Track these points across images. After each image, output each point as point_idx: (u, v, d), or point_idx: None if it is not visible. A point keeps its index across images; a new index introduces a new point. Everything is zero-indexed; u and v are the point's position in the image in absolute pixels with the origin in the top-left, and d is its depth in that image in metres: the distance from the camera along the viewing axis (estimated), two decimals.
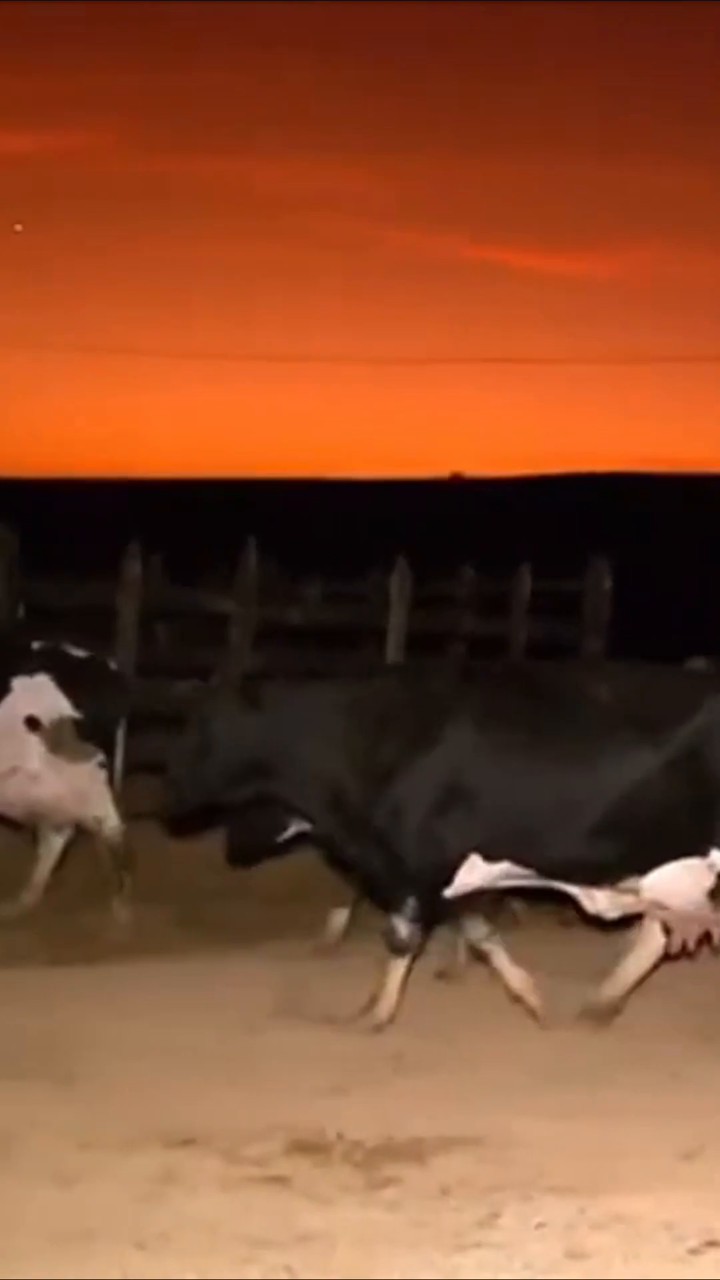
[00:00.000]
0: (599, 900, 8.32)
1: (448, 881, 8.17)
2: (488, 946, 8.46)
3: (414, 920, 8.15)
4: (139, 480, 49.24)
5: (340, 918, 9.56)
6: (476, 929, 8.46)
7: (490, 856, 8.20)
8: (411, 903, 8.15)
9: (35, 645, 10.76)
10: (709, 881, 8.19)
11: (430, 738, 8.21)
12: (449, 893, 8.20)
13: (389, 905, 8.27)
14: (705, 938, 8.38)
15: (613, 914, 8.42)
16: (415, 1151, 6.39)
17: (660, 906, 8.28)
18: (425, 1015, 8.09)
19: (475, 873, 8.20)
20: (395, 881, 8.23)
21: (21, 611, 13.94)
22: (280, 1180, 6.07)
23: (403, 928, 8.15)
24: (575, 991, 8.35)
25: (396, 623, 15.13)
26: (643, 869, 8.17)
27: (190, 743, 8.58)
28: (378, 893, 8.65)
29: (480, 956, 8.55)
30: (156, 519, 24.76)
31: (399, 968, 8.17)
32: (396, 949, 8.16)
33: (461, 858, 8.15)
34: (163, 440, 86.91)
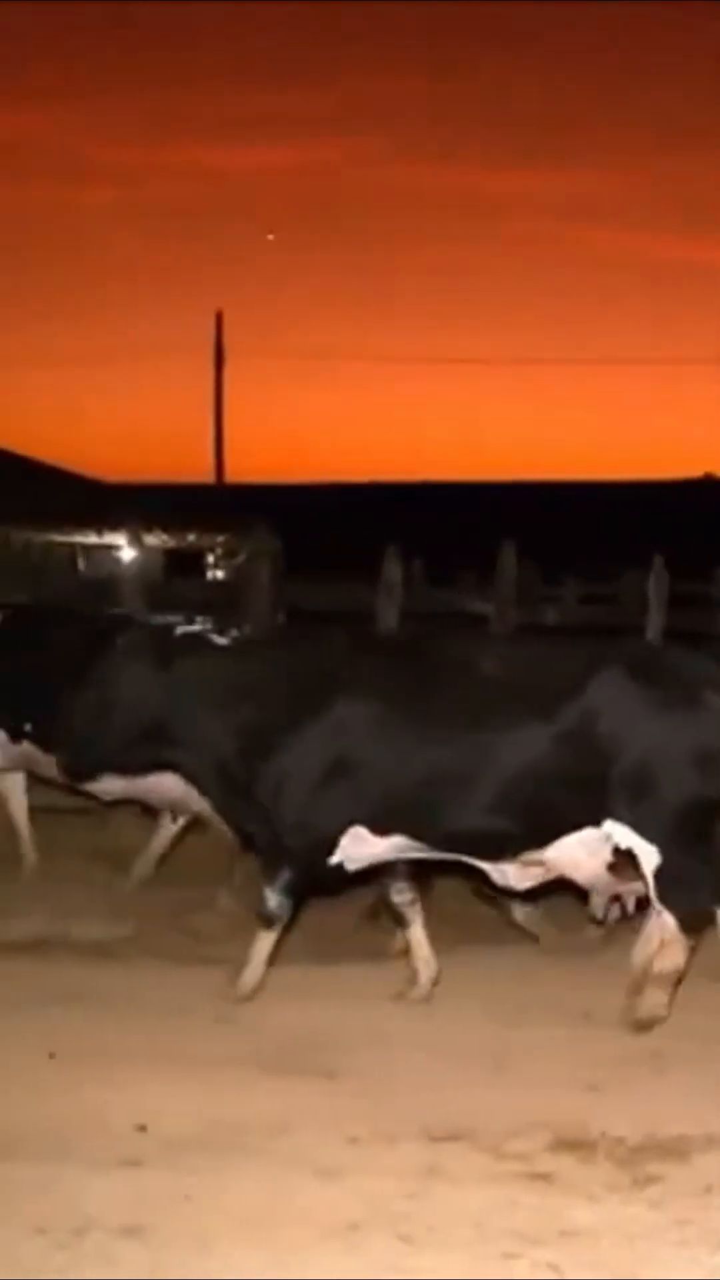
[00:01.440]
0: (508, 873, 8.29)
1: (325, 855, 8.19)
2: (408, 913, 8.49)
3: (285, 893, 8.21)
4: (398, 483, 49.48)
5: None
6: (401, 894, 8.50)
7: (378, 830, 8.15)
8: (285, 875, 8.20)
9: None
10: (606, 854, 8.08)
11: (313, 709, 8.16)
12: (352, 865, 8.26)
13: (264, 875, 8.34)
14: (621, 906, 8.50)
15: (522, 885, 8.41)
16: (678, 1149, 6.38)
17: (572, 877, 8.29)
18: (683, 1014, 8.05)
19: (366, 845, 8.19)
20: (272, 853, 8.27)
21: (281, 615, 14.14)
22: (544, 1177, 6.09)
23: (272, 899, 8.21)
24: None
25: (654, 623, 15.13)
26: (538, 843, 8.07)
27: (91, 698, 8.56)
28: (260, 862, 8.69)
29: (399, 921, 8.61)
30: (416, 522, 24.92)
31: (267, 940, 8.26)
32: (264, 920, 8.25)
33: (339, 832, 8.14)
34: (423, 445, 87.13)
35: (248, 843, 8.85)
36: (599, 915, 8.59)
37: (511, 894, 8.85)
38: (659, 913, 8.02)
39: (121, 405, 76.82)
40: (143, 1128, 6.43)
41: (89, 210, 78.92)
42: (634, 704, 7.97)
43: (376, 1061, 7.38)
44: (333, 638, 9.06)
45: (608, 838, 8.00)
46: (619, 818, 7.91)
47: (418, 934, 8.47)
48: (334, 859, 8.21)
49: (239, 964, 8.31)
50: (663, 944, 8.02)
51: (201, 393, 45.31)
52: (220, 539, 26.47)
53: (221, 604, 14.24)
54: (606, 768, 7.90)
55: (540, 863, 8.19)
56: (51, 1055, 7.31)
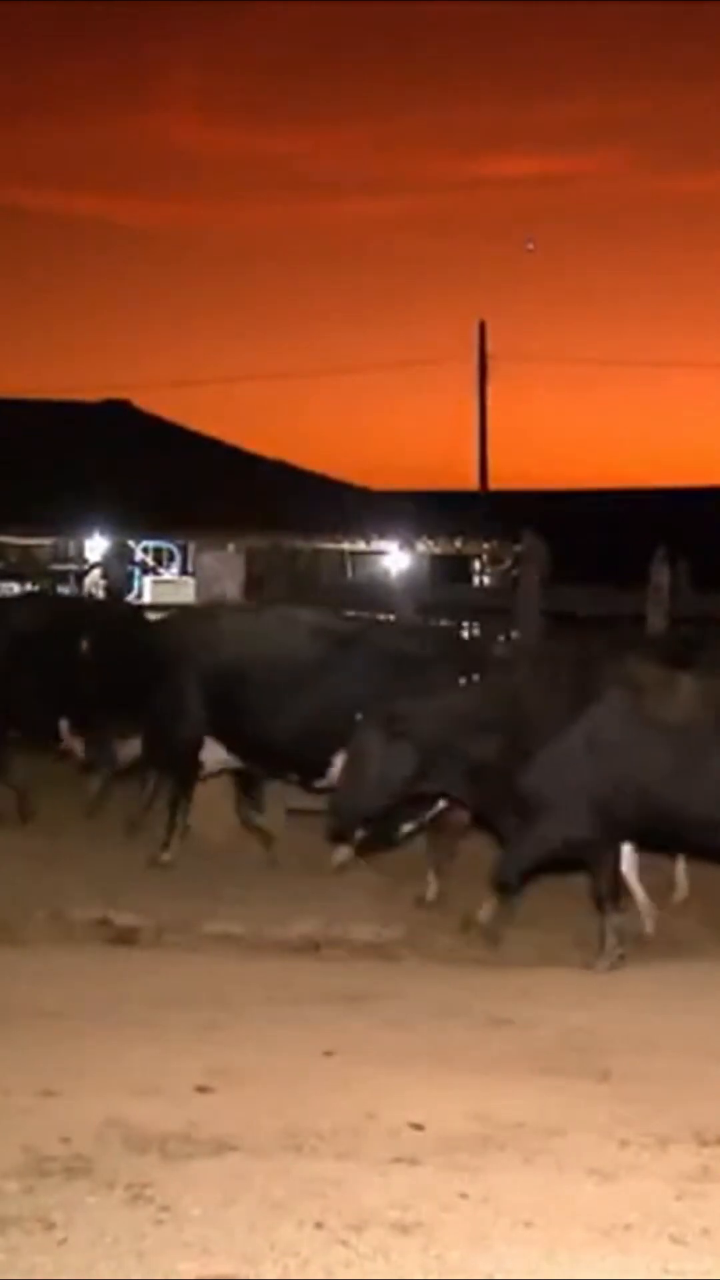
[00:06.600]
0: None
1: None
2: None
3: None
4: (663, 488, 49.13)
5: None
6: None
7: None
8: None
9: None
10: None
11: None
12: None
13: None
14: None
15: None
16: None
17: None
18: None
19: None
20: None
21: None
22: None
23: None
24: None
25: None
26: None
27: None
28: None
29: None
30: (683, 526, 24.73)
31: None
32: None
33: None
34: (687, 449, 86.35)
35: None
36: None
37: None
38: None
39: (387, 414, 77.12)
40: (419, 1126, 6.51)
41: (352, 223, 79.62)
42: None
43: (647, 1064, 7.41)
44: None
45: None
46: None
47: None
48: None
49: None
50: None
51: (465, 401, 45.13)
52: (487, 545, 26.53)
53: (491, 609, 14.31)
54: None
55: None
56: (328, 1054, 7.45)
